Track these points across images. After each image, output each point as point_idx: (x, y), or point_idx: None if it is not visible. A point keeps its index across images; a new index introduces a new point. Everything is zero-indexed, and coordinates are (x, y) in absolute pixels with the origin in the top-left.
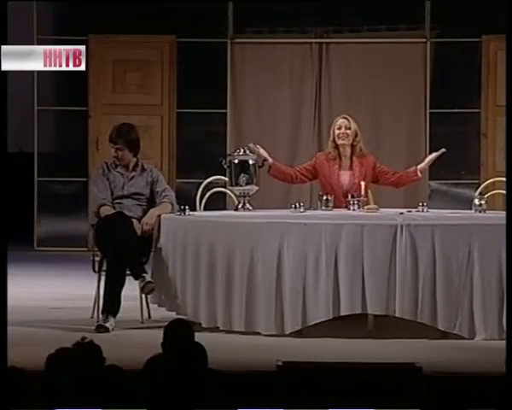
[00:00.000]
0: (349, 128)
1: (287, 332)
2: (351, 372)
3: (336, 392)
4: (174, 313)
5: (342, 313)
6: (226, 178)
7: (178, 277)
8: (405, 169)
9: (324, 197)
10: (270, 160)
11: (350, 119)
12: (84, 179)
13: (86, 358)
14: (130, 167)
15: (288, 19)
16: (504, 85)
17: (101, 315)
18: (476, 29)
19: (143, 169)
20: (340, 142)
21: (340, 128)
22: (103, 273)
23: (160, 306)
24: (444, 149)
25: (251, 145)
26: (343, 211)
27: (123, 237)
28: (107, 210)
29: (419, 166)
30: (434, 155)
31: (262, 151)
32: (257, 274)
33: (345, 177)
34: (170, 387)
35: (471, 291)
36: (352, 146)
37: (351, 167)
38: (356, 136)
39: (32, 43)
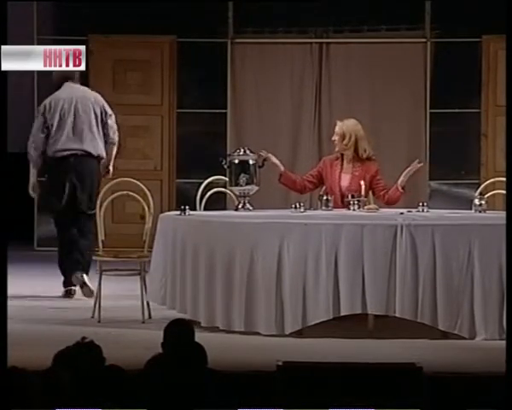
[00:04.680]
0: (337, 134)
1: (287, 332)
2: (351, 372)
3: (336, 392)
4: (175, 312)
5: (342, 313)
6: (226, 178)
7: (178, 276)
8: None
9: (324, 197)
10: (282, 168)
11: (341, 122)
12: None
13: (86, 358)
14: None
15: (288, 19)
16: (504, 85)
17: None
18: (476, 29)
19: None
20: (335, 149)
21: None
22: (104, 273)
23: (160, 304)
24: (422, 163)
25: (263, 153)
26: (343, 211)
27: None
28: None
29: (399, 182)
30: (411, 168)
31: (274, 159)
32: (257, 274)
33: (344, 180)
34: (170, 387)
35: (471, 291)
36: (355, 149)
37: (352, 172)
38: (343, 138)
39: (32, 43)
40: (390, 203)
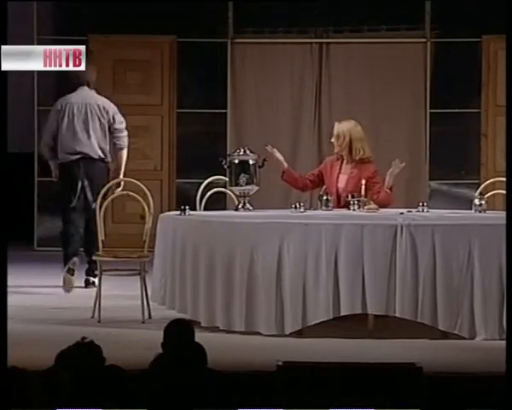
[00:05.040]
0: (334, 135)
1: (287, 332)
2: (351, 372)
3: (336, 392)
4: (175, 312)
5: (342, 313)
6: (226, 178)
7: (178, 276)
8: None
9: (324, 197)
10: (285, 164)
11: (338, 123)
12: None
13: (86, 358)
14: None
15: (288, 19)
16: (504, 85)
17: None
18: (476, 29)
19: None
20: (335, 150)
21: None
22: (103, 273)
23: (160, 304)
24: (403, 164)
25: (268, 147)
26: (343, 211)
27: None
28: None
29: (385, 184)
30: (393, 168)
31: (278, 155)
32: (257, 274)
33: (341, 181)
34: (170, 387)
35: (471, 291)
36: (349, 150)
37: (349, 173)
38: (338, 139)
39: (32, 43)
40: (382, 206)
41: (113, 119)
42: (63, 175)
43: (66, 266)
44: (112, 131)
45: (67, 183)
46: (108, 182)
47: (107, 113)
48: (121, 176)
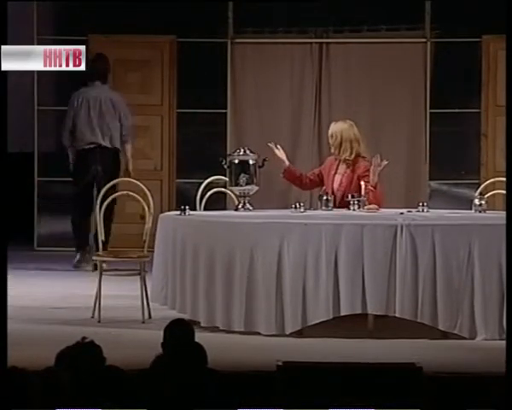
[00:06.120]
0: (329, 136)
1: (287, 332)
2: (351, 372)
3: (336, 392)
4: (175, 312)
5: (342, 313)
6: (226, 178)
7: (178, 276)
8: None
9: (324, 197)
10: (287, 163)
11: (334, 123)
12: None
13: (86, 358)
14: None
15: (288, 19)
16: (504, 85)
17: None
18: (476, 29)
19: None
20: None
21: None
22: (104, 273)
23: (162, 304)
24: (385, 162)
25: (271, 144)
26: (343, 211)
27: None
28: None
29: (370, 182)
30: (374, 165)
31: (279, 153)
32: (257, 274)
33: (336, 181)
34: (170, 387)
35: (471, 291)
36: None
37: (343, 173)
38: (331, 138)
39: (32, 43)
40: (371, 202)
41: (123, 112)
42: (79, 160)
43: (74, 262)
44: (120, 124)
45: (82, 167)
46: (120, 169)
47: (118, 106)
48: (130, 167)
